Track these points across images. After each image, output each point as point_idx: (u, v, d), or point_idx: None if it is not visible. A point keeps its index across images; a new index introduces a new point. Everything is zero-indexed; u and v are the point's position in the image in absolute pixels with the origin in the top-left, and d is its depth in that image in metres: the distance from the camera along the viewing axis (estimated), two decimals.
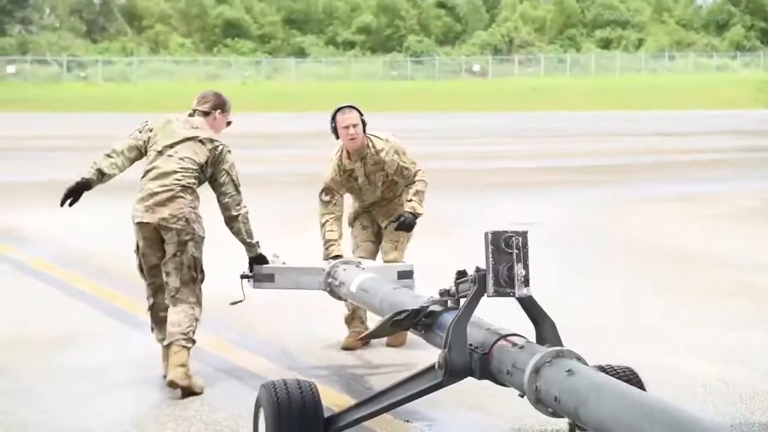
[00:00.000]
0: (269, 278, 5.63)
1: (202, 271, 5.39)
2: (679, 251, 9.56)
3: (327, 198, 6.24)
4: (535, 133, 32.47)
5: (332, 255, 5.99)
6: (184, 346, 5.12)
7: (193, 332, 5.21)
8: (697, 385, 5.29)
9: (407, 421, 4.72)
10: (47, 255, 9.50)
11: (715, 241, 10.30)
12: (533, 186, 16.25)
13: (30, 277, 8.53)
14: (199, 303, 5.31)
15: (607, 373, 4.04)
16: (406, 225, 6.05)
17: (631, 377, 4.16)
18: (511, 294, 3.74)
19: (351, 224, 6.49)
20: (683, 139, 28.07)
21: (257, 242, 5.62)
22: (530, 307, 3.87)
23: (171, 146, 5.42)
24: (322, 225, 6.23)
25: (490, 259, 3.74)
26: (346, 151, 6.17)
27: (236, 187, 5.69)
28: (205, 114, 5.64)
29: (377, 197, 6.32)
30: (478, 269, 3.81)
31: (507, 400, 5.01)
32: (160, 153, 5.40)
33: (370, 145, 6.14)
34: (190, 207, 5.44)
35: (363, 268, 5.38)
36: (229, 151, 5.66)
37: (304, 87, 65.32)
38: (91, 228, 11.32)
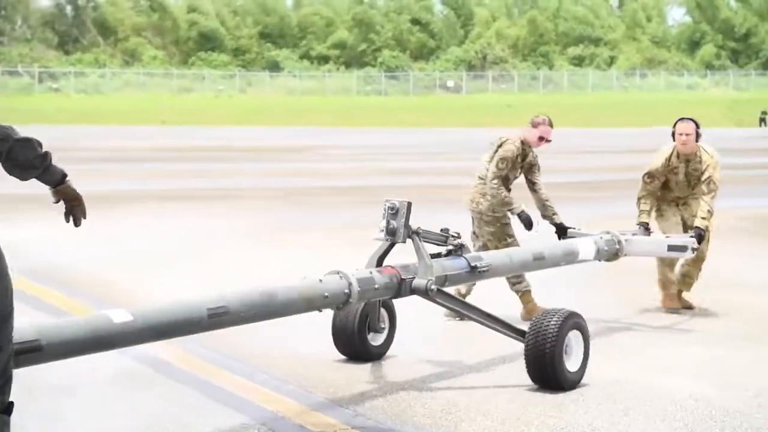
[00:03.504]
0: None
1: (500, 240, 7.33)
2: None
3: (648, 180, 7.78)
4: None
5: (640, 221, 7.67)
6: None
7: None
8: (667, 402, 5.30)
9: None
10: (17, 269, 9.38)
11: None
12: None
13: None
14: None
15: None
16: (699, 241, 7.41)
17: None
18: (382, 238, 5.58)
19: (659, 209, 7.89)
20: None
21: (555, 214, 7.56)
22: (415, 249, 5.56)
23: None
24: (639, 198, 7.80)
25: (383, 219, 5.58)
26: (676, 151, 7.69)
27: (494, 172, 7.37)
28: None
29: (686, 194, 7.79)
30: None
31: (483, 419, 5.00)
32: None
33: (698, 153, 7.66)
34: (480, 194, 7.43)
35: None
36: (509, 146, 7.40)
37: (279, 101, 65.26)
38: (60, 241, 11.22)
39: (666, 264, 7.76)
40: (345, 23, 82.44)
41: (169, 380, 5.66)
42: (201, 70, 74.22)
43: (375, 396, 5.39)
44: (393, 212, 5.59)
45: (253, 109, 59.43)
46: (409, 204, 5.61)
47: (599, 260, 7.15)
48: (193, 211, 14.57)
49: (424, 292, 5.48)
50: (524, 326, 5.74)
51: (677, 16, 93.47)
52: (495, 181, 7.38)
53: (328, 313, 7.04)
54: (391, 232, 5.60)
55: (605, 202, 16.34)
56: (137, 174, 21.62)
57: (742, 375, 5.92)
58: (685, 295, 7.87)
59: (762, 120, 57.23)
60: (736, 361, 6.28)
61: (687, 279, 7.82)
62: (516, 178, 7.64)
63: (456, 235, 5.95)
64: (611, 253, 7.14)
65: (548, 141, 7.54)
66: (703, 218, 7.49)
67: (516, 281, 7.40)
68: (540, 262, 6.55)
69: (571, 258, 6.83)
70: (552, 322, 5.46)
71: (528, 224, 7.37)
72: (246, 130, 46.79)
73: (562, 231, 7.48)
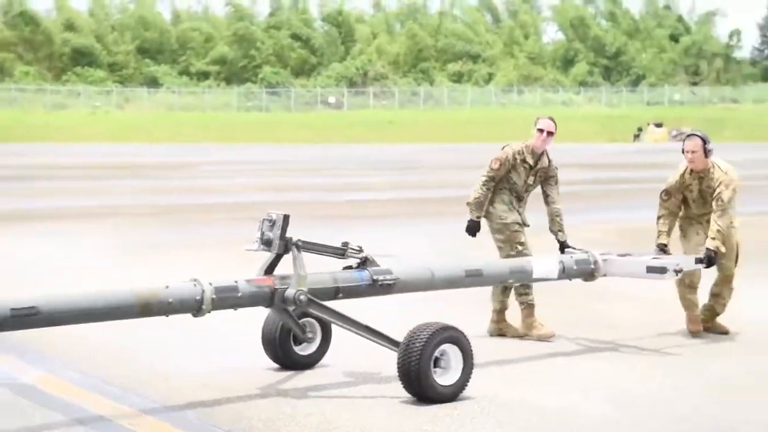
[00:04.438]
0: None
1: (511, 248, 7.23)
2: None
3: (665, 197, 7.53)
4: (390, 165, 32.81)
5: (658, 242, 7.42)
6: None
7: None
8: (535, 414, 5.38)
9: None
10: None
11: None
12: (388, 218, 16.37)
13: None
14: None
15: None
16: (710, 263, 7.16)
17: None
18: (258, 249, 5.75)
19: (682, 229, 7.58)
20: None
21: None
22: (292, 260, 5.64)
23: None
24: (658, 218, 7.53)
25: (259, 230, 5.74)
26: (689, 168, 7.37)
27: (486, 171, 7.40)
28: None
29: (703, 211, 7.42)
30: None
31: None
32: None
33: (711, 170, 7.31)
34: (489, 202, 7.39)
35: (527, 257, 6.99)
36: (506, 149, 7.43)
37: (158, 117, 64.21)
38: None
39: (685, 285, 7.35)
40: (225, 39, 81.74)
41: (32, 404, 5.44)
42: (76, 86, 72.39)
43: (251, 415, 5.30)
44: (270, 224, 5.70)
45: (131, 126, 58.32)
46: (286, 216, 5.70)
47: (569, 279, 6.99)
48: (71, 230, 14.17)
49: (293, 302, 5.61)
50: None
51: (551, 32, 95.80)
52: (483, 179, 7.37)
53: (208, 330, 6.92)
54: (266, 243, 5.72)
55: None
56: (11, 192, 20.91)
57: (613, 385, 6.04)
58: (719, 319, 7.51)
59: (636, 136, 59.24)
60: (610, 371, 6.41)
61: (720, 300, 7.47)
62: (530, 186, 7.47)
63: (357, 248, 5.99)
64: (585, 272, 7.00)
65: (550, 133, 7.40)
66: (713, 238, 7.14)
67: (522, 292, 7.33)
68: (475, 278, 6.45)
69: (522, 276, 6.71)
70: (422, 335, 5.49)
71: (470, 232, 7.39)
72: (125, 146, 45.87)
73: (561, 249, 7.29)
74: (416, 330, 5.56)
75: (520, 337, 7.37)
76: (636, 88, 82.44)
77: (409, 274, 6.19)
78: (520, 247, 7.25)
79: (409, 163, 33.82)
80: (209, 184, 23.96)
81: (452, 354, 5.62)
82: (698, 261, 7.14)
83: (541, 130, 7.43)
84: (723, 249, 7.19)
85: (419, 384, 5.45)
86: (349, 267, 6.03)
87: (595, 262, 7.00)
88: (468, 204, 7.43)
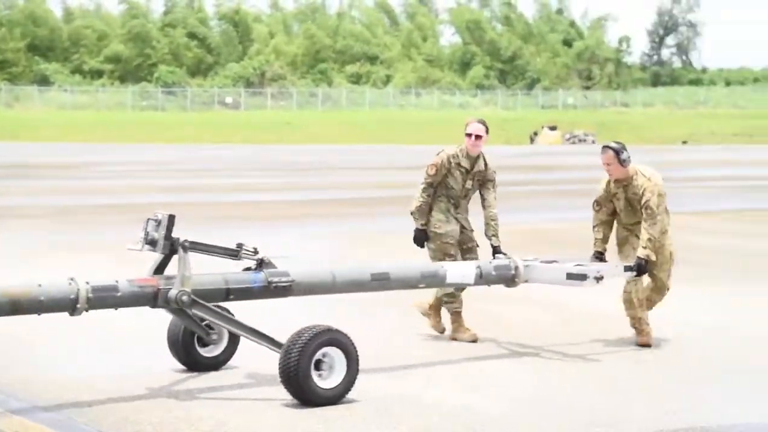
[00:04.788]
0: None
1: (440, 259, 7.13)
2: None
3: (597, 208, 7.55)
4: (288, 166, 32.68)
5: (594, 250, 7.44)
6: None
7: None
8: (433, 413, 5.43)
9: None
10: None
11: None
12: (285, 219, 16.30)
13: None
14: None
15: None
16: (641, 272, 7.18)
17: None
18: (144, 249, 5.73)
19: (619, 246, 7.51)
20: None
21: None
22: (178, 260, 5.61)
23: None
24: (593, 227, 7.56)
25: (142, 230, 5.73)
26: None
27: (423, 178, 7.43)
28: None
29: (634, 220, 7.35)
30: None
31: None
32: None
33: (634, 177, 7.29)
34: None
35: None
36: (441, 154, 7.41)
37: (49, 116, 62.57)
38: None
39: (637, 306, 7.26)
40: (119, 37, 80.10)
41: None
42: None
43: (141, 419, 5.24)
44: (156, 223, 5.66)
45: (21, 125, 56.66)
46: (172, 216, 5.67)
47: (488, 285, 6.98)
48: None
49: (174, 302, 5.58)
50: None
51: (449, 35, 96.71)
52: (422, 186, 7.37)
53: (109, 331, 6.80)
54: (151, 243, 5.70)
55: (376, 217, 16.65)
56: None
57: (510, 385, 6.14)
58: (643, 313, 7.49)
59: (532, 139, 60.37)
60: (510, 372, 6.50)
61: (648, 303, 7.42)
62: (469, 191, 7.48)
63: (253, 250, 5.94)
64: (505, 278, 6.96)
65: (479, 136, 7.38)
66: (644, 247, 7.12)
67: (447, 300, 7.34)
68: (382, 282, 6.37)
69: (434, 281, 6.65)
70: (303, 338, 5.45)
71: (417, 242, 7.41)
72: (14, 146, 44.52)
73: (494, 254, 7.29)
74: (298, 332, 5.52)
75: (441, 332, 7.48)
76: (531, 91, 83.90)
77: (308, 276, 6.13)
78: (448, 260, 7.22)
79: (307, 165, 33.73)
80: (103, 185, 23.46)
81: (336, 357, 5.57)
82: (627, 269, 7.15)
83: (469, 135, 7.44)
84: (653, 257, 7.20)
85: (299, 386, 5.42)
86: (249, 268, 5.97)
87: (516, 268, 6.98)
88: (411, 213, 7.44)
